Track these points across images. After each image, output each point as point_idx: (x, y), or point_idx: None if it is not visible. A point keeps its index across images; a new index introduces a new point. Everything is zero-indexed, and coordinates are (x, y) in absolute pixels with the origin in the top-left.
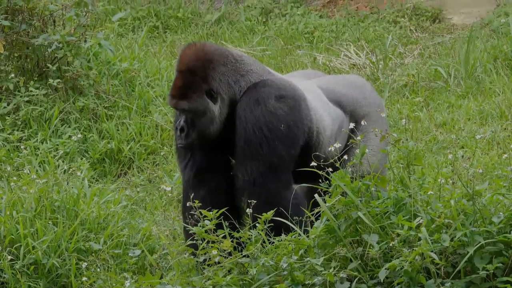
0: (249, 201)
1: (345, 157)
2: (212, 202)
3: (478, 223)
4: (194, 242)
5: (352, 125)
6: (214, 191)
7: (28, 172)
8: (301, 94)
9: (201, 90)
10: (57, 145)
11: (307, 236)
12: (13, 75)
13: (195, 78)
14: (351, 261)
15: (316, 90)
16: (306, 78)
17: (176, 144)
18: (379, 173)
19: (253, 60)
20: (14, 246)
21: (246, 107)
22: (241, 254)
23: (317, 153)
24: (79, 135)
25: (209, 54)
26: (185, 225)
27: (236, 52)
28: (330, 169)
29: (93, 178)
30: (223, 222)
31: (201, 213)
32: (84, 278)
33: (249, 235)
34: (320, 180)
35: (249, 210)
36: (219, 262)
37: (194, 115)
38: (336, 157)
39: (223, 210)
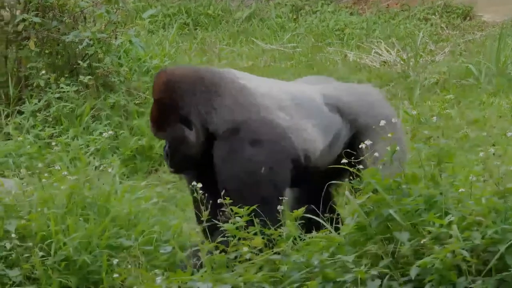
0: None
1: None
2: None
3: (510, 220)
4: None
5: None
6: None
7: (59, 168)
8: (280, 130)
9: (174, 118)
10: (88, 141)
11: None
12: (44, 72)
13: (166, 107)
14: (382, 258)
15: (313, 98)
16: (314, 83)
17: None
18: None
19: (229, 88)
20: (46, 243)
21: (222, 157)
22: (272, 251)
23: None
24: (110, 132)
25: (176, 83)
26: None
27: (210, 79)
28: None
29: (124, 175)
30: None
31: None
32: (115, 275)
33: (280, 232)
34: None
35: None
36: (250, 259)
37: (173, 142)
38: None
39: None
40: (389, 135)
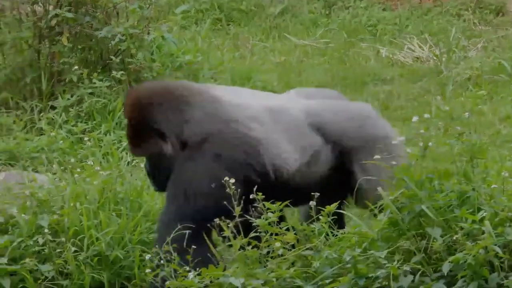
0: None
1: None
2: None
3: None
4: None
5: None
6: None
7: (92, 163)
8: (248, 144)
9: (149, 134)
10: (121, 136)
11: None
12: (76, 67)
13: (139, 124)
14: (414, 254)
15: (292, 114)
16: (308, 97)
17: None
18: None
19: (199, 100)
20: (78, 238)
21: (179, 162)
22: (304, 247)
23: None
24: None
25: (145, 99)
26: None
27: (179, 92)
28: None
29: None
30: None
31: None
32: (147, 270)
33: (312, 228)
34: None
35: None
36: (282, 255)
37: (152, 157)
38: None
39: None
40: (377, 156)
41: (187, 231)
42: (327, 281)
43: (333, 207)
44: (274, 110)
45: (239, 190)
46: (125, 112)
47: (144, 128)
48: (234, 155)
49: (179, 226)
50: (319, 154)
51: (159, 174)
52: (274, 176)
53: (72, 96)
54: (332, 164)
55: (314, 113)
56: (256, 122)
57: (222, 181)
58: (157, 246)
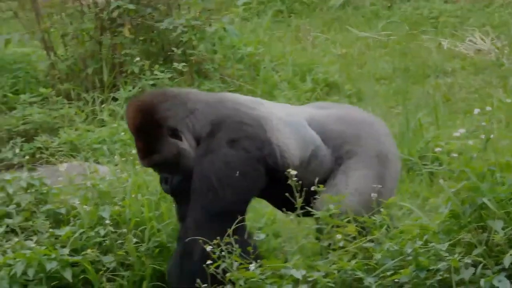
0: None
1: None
2: None
3: None
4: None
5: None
6: None
7: None
8: (258, 123)
9: (163, 136)
10: None
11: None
12: (138, 58)
13: (150, 130)
14: (475, 247)
15: (291, 114)
16: (321, 108)
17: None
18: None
19: (202, 96)
20: (139, 229)
21: (198, 157)
22: (366, 239)
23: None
24: None
25: (151, 104)
26: None
27: (181, 92)
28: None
29: None
30: None
31: None
32: (208, 262)
33: (373, 220)
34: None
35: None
36: (343, 247)
37: (171, 159)
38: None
39: None
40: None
41: (226, 226)
42: (388, 273)
43: (393, 199)
44: (276, 109)
45: (262, 173)
46: (131, 124)
47: (157, 131)
48: (247, 137)
49: (214, 221)
50: (318, 155)
51: (178, 175)
52: (281, 163)
53: (133, 87)
54: (330, 167)
55: (318, 121)
56: (260, 104)
57: (244, 166)
58: (192, 245)
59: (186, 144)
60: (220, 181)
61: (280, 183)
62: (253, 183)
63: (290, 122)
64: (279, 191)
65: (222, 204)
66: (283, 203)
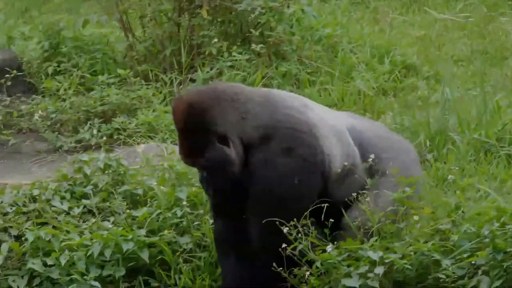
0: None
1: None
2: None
3: None
4: None
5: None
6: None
7: None
8: (310, 130)
9: (210, 140)
10: None
11: None
12: (216, 40)
13: (197, 132)
14: None
15: (335, 118)
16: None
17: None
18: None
19: (253, 95)
20: None
21: (255, 169)
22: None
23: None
24: None
25: (200, 104)
26: None
27: (230, 89)
28: None
29: None
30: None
31: None
32: (284, 245)
33: (450, 202)
34: None
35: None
36: (420, 228)
37: (214, 165)
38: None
39: None
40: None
41: None
42: (465, 255)
43: (471, 180)
44: (324, 114)
45: (319, 179)
46: (178, 123)
47: (205, 134)
48: (303, 145)
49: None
50: (355, 171)
51: (220, 181)
52: (327, 174)
53: (211, 69)
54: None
55: (357, 129)
56: (307, 108)
57: (301, 174)
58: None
59: (233, 152)
60: (281, 190)
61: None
62: (312, 190)
63: (336, 131)
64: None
65: (285, 214)
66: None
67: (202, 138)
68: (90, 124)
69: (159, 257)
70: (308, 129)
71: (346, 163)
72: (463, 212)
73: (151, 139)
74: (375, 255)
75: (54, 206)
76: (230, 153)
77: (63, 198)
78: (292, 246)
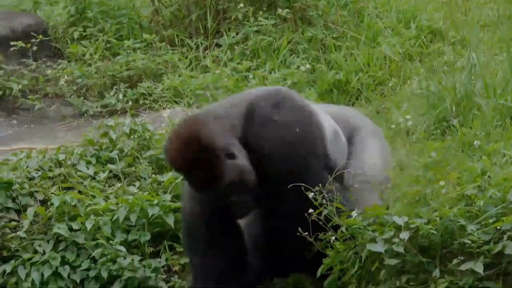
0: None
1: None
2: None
3: None
4: None
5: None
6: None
7: None
8: (288, 92)
9: (219, 163)
10: (286, 75)
11: None
12: (242, 5)
13: (205, 161)
14: None
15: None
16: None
17: None
18: None
19: (219, 103)
20: None
21: (253, 136)
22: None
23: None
24: (308, 66)
25: (190, 136)
26: None
27: (203, 114)
28: None
29: None
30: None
31: None
32: (310, 210)
33: (475, 167)
34: None
35: None
36: (446, 194)
37: (235, 182)
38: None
39: None
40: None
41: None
42: (491, 221)
43: (497, 146)
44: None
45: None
46: (181, 162)
47: (211, 159)
48: (286, 98)
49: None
50: (338, 138)
51: (246, 194)
52: (320, 124)
53: (237, 34)
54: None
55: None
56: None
57: (299, 123)
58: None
59: (243, 160)
60: (288, 141)
61: None
62: (318, 140)
63: (315, 107)
64: None
65: (308, 174)
66: None
67: (212, 163)
68: (115, 89)
69: None
70: (286, 91)
71: (332, 124)
72: (489, 177)
73: (177, 104)
74: (400, 220)
75: (80, 171)
76: (241, 162)
77: (88, 162)
78: (317, 211)
